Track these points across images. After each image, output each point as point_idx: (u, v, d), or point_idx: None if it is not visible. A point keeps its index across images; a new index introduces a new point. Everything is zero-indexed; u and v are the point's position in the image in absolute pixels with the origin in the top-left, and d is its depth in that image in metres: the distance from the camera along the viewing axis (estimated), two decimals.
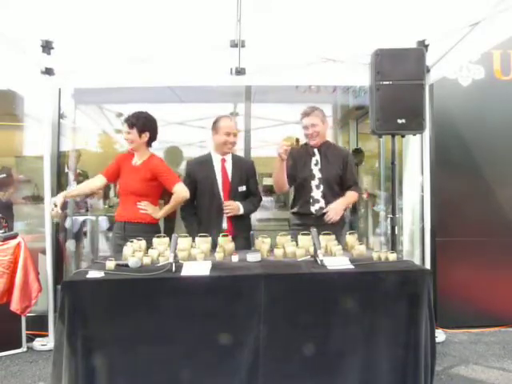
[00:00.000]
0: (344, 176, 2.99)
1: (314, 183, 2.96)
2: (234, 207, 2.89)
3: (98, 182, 2.96)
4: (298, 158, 3.02)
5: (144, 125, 2.85)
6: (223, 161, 2.99)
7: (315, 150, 3.01)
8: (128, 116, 2.88)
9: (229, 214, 2.88)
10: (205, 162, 3.01)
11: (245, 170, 3.03)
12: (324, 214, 2.87)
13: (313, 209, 2.94)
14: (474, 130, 3.66)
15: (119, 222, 2.90)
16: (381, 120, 2.90)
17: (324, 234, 2.53)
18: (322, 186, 2.95)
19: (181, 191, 2.81)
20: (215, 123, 2.99)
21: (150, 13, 2.66)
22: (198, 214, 2.97)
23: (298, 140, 2.74)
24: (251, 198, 3.05)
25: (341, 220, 2.96)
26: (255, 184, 3.12)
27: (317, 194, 2.95)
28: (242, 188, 2.99)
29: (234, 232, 2.83)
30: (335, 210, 2.85)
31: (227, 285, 2.00)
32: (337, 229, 2.83)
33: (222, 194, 2.94)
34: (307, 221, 2.87)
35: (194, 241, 2.47)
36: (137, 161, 2.92)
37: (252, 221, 3.19)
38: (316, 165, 2.98)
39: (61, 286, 1.97)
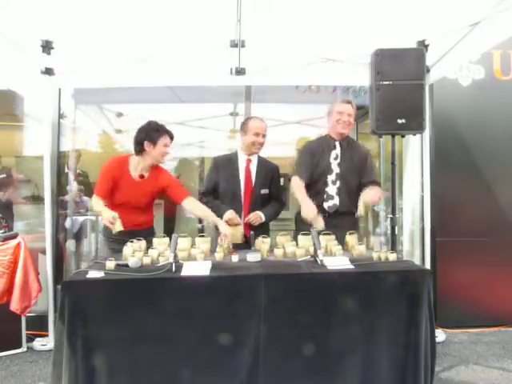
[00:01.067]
0: (365, 174, 2.88)
1: (330, 178, 2.86)
2: (256, 218, 2.87)
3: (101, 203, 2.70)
4: (317, 148, 2.94)
5: None
6: (248, 161, 2.99)
7: (336, 143, 2.93)
8: (162, 127, 2.77)
9: (254, 223, 2.87)
10: (230, 161, 3.01)
11: (269, 173, 3.02)
12: (336, 211, 2.79)
13: (326, 205, 2.84)
14: (474, 130, 3.66)
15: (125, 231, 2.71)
16: (381, 120, 2.90)
17: (324, 234, 2.53)
18: (338, 182, 2.85)
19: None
20: (245, 124, 3.00)
21: (150, 13, 2.66)
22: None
23: None
24: (273, 202, 3.01)
25: (353, 220, 2.90)
26: (278, 188, 3.10)
27: (332, 189, 2.86)
28: (265, 191, 2.97)
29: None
30: (373, 194, 2.65)
31: (227, 285, 2.00)
32: (351, 226, 2.74)
33: (243, 194, 2.94)
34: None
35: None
36: (140, 174, 2.77)
37: None
38: (336, 159, 2.89)
39: (61, 286, 1.97)
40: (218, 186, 2.99)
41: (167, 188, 2.80)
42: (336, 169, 2.89)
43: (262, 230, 2.86)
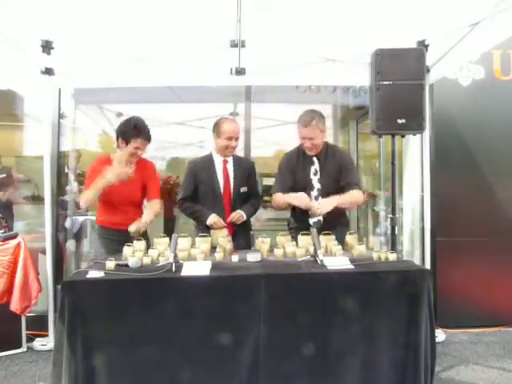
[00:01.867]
0: (344, 180, 2.80)
1: (312, 194, 2.80)
2: (238, 217, 2.88)
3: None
4: (296, 165, 2.88)
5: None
6: (225, 162, 2.98)
7: (314, 158, 2.86)
8: (139, 129, 2.69)
9: (237, 222, 2.88)
10: (207, 163, 2.99)
11: (246, 171, 3.02)
12: (322, 226, 2.69)
13: (311, 221, 2.78)
14: (473, 130, 3.66)
15: (120, 229, 2.67)
16: (381, 120, 2.90)
17: (324, 234, 2.53)
18: (320, 198, 2.77)
19: (159, 205, 2.82)
20: (217, 126, 2.92)
21: (149, 13, 2.65)
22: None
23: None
24: (252, 199, 3.04)
25: (344, 221, 2.90)
26: (256, 184, 3.11)
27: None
28: (244, 189, 2.98)
29: (234, 233, 2.85)
30: (325, 202, 2.63)
31: (227, 285, 2.00)
32: (340, 230, 2.70)
33: (223, 195, 2.93)
34: (306, 228, 2.68)
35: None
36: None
37: (252, 221, 3.20)
38: (315, 174, 2.84)
39: (61, 286, 1.97)
40: (197, 190, 2.96)
41: (147, 181, 2.83)
42: (317, 184, 2.82)
43: (244, 227, 2.91)
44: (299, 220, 2.88)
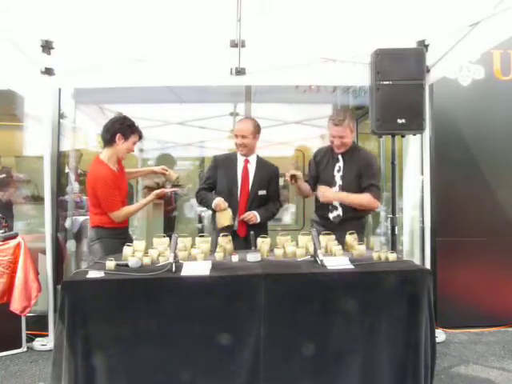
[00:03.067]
0: (365, 182, 2.84)
1: (334, 189, 2.87)
2: (251, 217, 2.88)
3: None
4: (322, 160, 2.99)
5: None
6: (246, 162, 3.00)
7: (339, 156, 2.91)
8: (137, 127, 2.82)
9: (250, 222, 2.89)
10: (230, 160, 3.04)
11: (268, 175, 3.02)
12: (342, 220, 2.83)
13: (331, 215, 2.87)
14: (474, 130, 3.66)
15: (125, 227, 2.87)
16: (381, 120, 2.90)
17: (324, 234, 2.53)
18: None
19: None
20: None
21: (149, 13, 2.65)
22: None
23: (293, 176, 2.81)
24: (270, 203, 3.03)
25: (359, 224, 2.91)
26: (276, 190, 3.11)
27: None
28: (262, 192, 2.97)
29: (246, 234, 2.84)
30: (329, 191, 2.80)
31: (227, 285, 2.00)
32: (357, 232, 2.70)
33: (239, 194, 2.95)
34: (326, 224, 2.87)
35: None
36: (115, 166, 2.81)
37: None
38: (339, 171, 2.90)
39: (61, 285, 1.97)
40: (216, 184, 3.02)
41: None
42: (339, 181, 2.89)
43: (260, 230, 2.85)
44: (320, 215, 2.98)
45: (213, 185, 3.02)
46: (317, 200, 2.97)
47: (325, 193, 2.78)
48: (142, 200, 3.01)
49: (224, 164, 3.02)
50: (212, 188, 3.03)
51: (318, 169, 3.01)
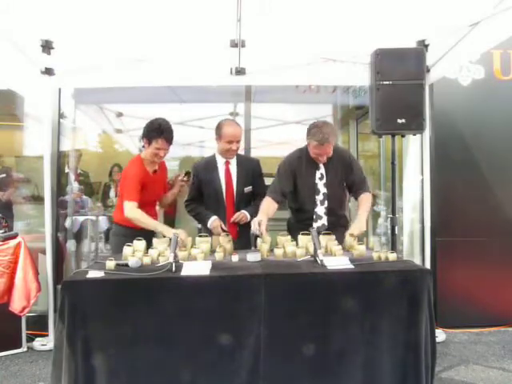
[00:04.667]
0: (351, 179, 2.81)
1: (318, 198, 2.79)
2: (242, 217, 2.86)
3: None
4: (299, 169, 2.83)
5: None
6: (227, 163, 2.97)
7: (319, 164, 2.81)
8: (162, 129, 2.68)
9: (241, 222, 2.87)
10: (209, 165, 2.99)
11: (250, 170, 2.99)
12: (327, 229, 2.71)
13: (315, 225, 2.77)
14: (474, 130, 3.66)
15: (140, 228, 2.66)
16: (381, 120, 2.90)
17: (324, 234, 2.53)
18: (326, 202, 2.79)
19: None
20: (218, 128, 2.88)
21: (150, 13, 2.66)
22: None
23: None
24: (258, 200, 2.96)
25: (344, 222, 2.91)
26: (262, 184, 3.04)
27: (321, 210, 2.79)
28: (248, 189, 2.96)
29: (238, 235, 2.86)
30: (359, 227, 2.59)
31: (227, 285, 2.00)
32: (340, 231, 2.70)
33: (225, 197, 2.93)
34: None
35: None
36: (154, 169, 2.84)
37: None
38: (321, 179, 2.80)
39: (61, 285, 1.97)
40: (203, 192, 2.98)
41: (165, 180, 2.99)
42: (323, 189, 2.80)
43: (248, 226, 2.77)
44: (305, 224, 2.78)
45: (199, 194, 2.98)
46: (299, 212, 2.89)
47: (359, 230, 2.57)
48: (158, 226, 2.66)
49: (204, 171, 2.96)
50: (200, 197, 2.98)
51: (295, 179, 2.83)
